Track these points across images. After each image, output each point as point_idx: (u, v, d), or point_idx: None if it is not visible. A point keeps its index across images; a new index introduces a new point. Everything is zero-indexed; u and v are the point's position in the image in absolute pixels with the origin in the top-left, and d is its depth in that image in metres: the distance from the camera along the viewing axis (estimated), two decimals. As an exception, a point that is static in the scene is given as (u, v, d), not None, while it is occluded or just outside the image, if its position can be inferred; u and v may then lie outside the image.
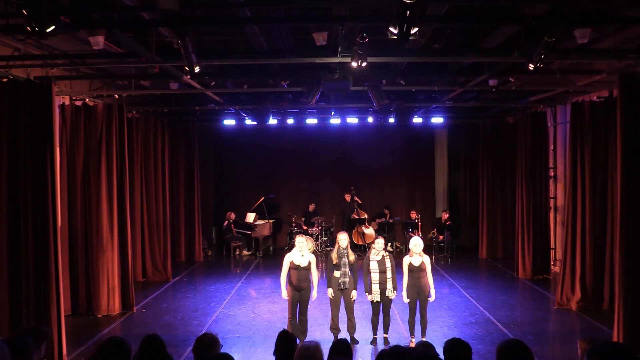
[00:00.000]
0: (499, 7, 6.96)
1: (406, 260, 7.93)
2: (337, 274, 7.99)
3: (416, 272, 7.87)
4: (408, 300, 7.95)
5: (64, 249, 9.26)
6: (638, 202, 7.44)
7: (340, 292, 8.02)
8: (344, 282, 7.95)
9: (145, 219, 12.87)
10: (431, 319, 8.38)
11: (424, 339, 7.81)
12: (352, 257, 8.02)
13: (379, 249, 7.99)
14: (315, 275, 8.00)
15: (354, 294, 8.02)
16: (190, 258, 15.23)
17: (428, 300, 7.94)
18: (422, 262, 7.87)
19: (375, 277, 7.91)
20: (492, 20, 7.27)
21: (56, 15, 5.18)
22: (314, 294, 8.02)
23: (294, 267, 7.91)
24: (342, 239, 8.07)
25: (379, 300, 7.95)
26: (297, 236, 8.18)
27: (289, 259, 7.97)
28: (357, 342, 8.09)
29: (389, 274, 7.92)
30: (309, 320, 8.26)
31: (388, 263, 7.94)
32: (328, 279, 8.15)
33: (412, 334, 8.07)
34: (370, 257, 7.99)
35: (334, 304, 8.07)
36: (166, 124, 13.87)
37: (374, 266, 7.93)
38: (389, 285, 7.91)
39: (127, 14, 6.86)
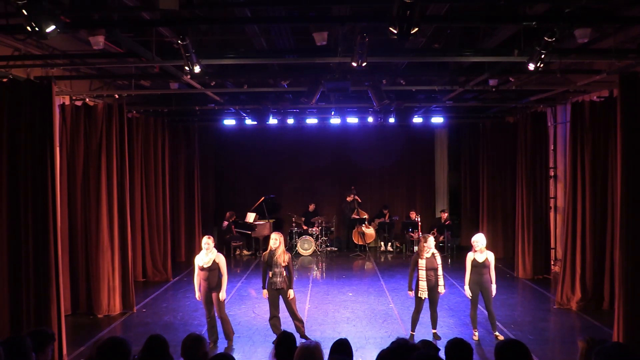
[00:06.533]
0: (499, 7, 6.95)
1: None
2: (270, 274, 8.15)
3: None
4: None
5: (64, 249, 9.27)
6: (638, 202, 7.44)
7: (275, 292, 8.14)
8: (275, 282, 8.08)
9: (145, 219, 12.88)
10: (432, 319, 8.41)
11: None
12: (286, 257, 8.14)
13: (430, 246, 8.21)
14: (225, 276, 8.05)
15: (290, 292, 8.14)
16: (190, 258, 15.13)
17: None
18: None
19: (423, 274, 8.15)
20: (492, 20, 7.26)
21: (56, 15, 5.16)
22: (222, 294, 8.04)
23: (200, 268, 8.01)
24: (273, 238, 8.22)
25: (427, 297, 8.16)
26: (203, 237, 8.21)
27: (196, 261, 8.09)
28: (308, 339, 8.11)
29: (440, 271, 8.23)
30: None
31: (439, 261, 8.24)
32: (263, 280, 8.27)
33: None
34: (421, 254, 8.20)
35: (271, 303, 8.19)
36: (166, 124, 13.87)
37: (422, 264, 8.17)
38: (441, 282, 8.19)
39: (127, 14, 6.85)
